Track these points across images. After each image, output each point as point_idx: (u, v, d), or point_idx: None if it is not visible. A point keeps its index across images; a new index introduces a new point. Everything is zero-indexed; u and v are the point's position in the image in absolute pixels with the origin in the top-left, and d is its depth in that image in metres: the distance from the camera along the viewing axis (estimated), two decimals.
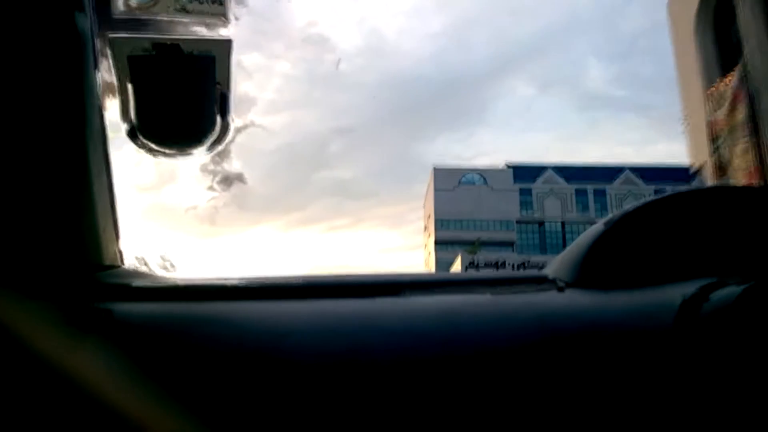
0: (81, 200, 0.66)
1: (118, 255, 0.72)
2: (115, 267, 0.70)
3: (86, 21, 0.66)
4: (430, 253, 49.76)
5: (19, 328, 0.50)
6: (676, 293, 0.53)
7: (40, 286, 0.61)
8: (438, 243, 46.99)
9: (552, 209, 46.79)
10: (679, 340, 0.49)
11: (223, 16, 0.67)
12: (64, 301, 0.59)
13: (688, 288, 0.52)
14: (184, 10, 0.66)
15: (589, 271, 0.64)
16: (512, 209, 42.94)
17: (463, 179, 49.28)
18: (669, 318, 0.50)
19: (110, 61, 0.68)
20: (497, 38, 79.32)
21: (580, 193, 47.15)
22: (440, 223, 47.56)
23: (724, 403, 0.46)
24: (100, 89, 0.69)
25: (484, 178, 49.07)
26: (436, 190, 48.25)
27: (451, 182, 48.73)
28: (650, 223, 0.67)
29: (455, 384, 0.50)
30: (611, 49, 79.54)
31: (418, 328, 0.56)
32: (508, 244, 43.51)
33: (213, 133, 0.69)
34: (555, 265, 0.70)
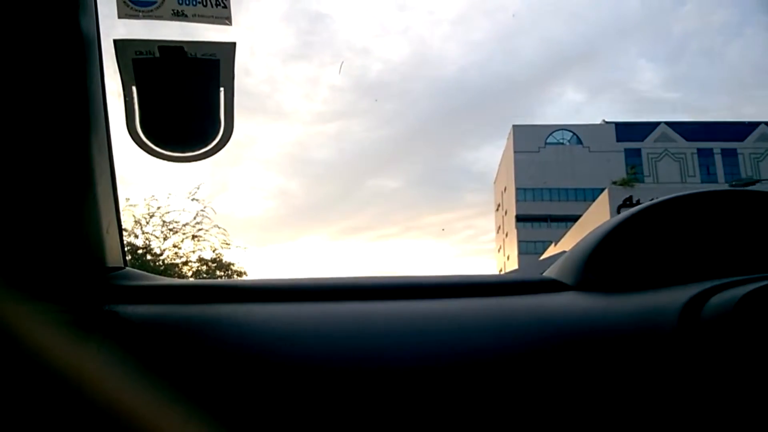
0: (85, 202, 0.76)
1: (121, 256, 0.83)
2: (119, 269, 0.80)
3: (91, 23, 0.77)
4: (507, 233, 48.71)
5: (27, 331, 0.58)
6: (679, 296, 0.60)
7: (46, 289, 0.70)
8: (519, 219, 45.81)
9: (668, 174, 44.17)
10: (683, 342, 0.55)
11: (226, 20, 0.79)
12: (70, 304, 0.69)
13: (691, 290, 0.60)
14: (187, 14, 0.78)
15: (592, 274, 0.74)
16: (615, 175, 41.05)
17: (551, 138, 47.24)
18: (672, 321, 0.57)
19: (115, 63, 0.80)
20: (543, 43, 78.79)
21: (704, 154, 44.42)
22: (521, 194, 46.12)
23: (726, 406, 0.51)
24: (104, 92, 0.82)
25: (578, 137, 46.84)
26: (516, 152, 46.43)
27: (535, 142, 46.66)
28: (653, 226, 0.78)
29: (460, 388, 0.57)
30: (662, 51, 78.57)
31: (423, 331, 0.64)
32: None
33: (216, 136, 0.81)
34: (558, 268, 0.80)
